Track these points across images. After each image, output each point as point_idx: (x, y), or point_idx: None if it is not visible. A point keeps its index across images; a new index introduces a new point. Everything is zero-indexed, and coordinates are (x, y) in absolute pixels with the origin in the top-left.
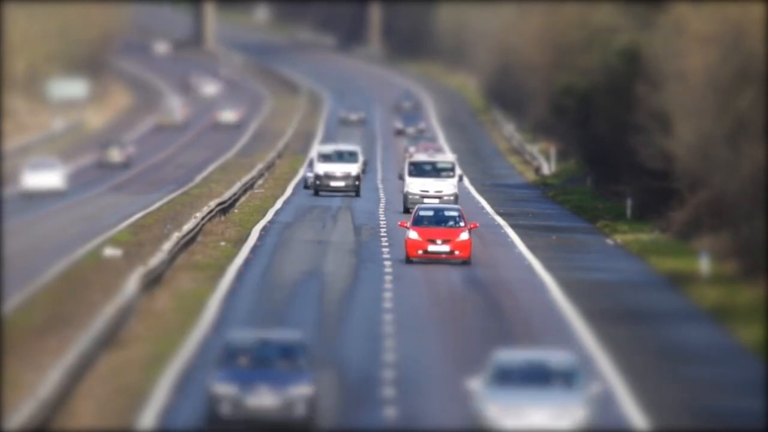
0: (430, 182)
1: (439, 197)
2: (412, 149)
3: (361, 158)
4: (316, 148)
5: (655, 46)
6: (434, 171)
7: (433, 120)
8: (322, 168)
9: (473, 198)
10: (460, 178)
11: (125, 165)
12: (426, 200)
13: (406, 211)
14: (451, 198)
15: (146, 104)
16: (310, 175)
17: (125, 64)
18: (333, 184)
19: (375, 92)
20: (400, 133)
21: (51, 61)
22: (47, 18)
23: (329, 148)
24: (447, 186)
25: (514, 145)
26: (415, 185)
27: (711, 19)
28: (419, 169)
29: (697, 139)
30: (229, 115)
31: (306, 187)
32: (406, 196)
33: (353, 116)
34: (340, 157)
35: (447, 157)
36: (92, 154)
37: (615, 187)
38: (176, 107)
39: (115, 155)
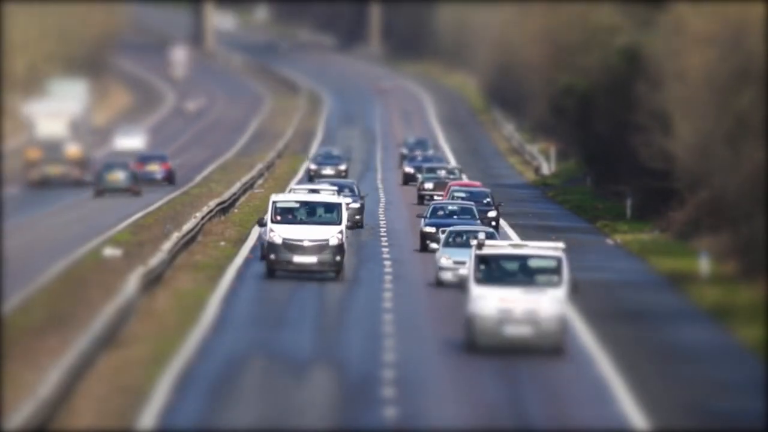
0: (515, 296)
1: (534, 322)
2: (429, 185)
3: (345, 210)
4: (272, 199)
5: (655, 46)
6: (523, 274)
7: (432, 120)
8: (278, 232)
9: None
10: (575, 288)
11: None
12: (509, 329)
13: (472, 345)
14: (552, 327)
15: (146, 103)
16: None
17: (125, 64)
18: (297, 260)
19: (374, 91)
20: (410, 179)
21: (51, 61)
22: (47, 18)
23: (291, 198)
24: (547, 303)
25: (513, 145)
26: (490, 302)
27: (711, 19)
28: (496, 270)
29: (697, 139)
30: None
31: (263, 257)
32: (471, 321)
33: (329, 170)
34: (311, 212)
35: (548, 246)
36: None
37: (615, 187)
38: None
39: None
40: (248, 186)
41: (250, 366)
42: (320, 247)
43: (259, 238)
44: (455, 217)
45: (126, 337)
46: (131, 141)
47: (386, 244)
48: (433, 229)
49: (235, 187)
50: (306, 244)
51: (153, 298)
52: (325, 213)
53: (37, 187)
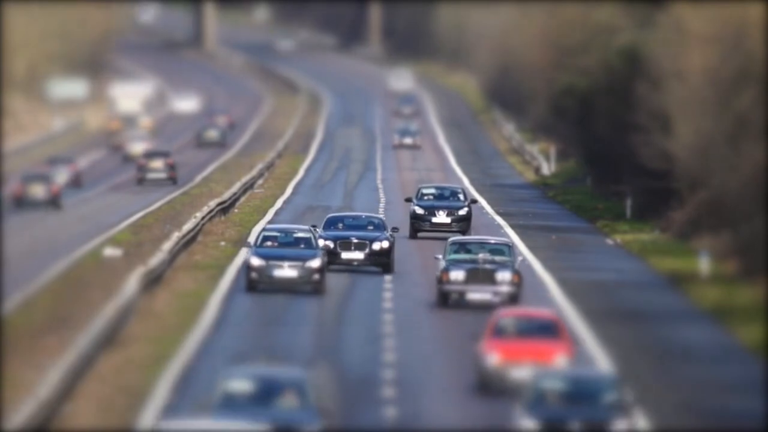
0: None
1: None
2: (457, 275)
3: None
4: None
5: (655, 46)
6: None
7: (432, 120)
8: None
9: (474, 198)
10: None
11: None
12: None
13: None
14: None
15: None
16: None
17: (125, 64)
18: None
19: (375, 91)
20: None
21: (51, 61)
22: (47, 18)
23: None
24: None
25: (513, 145)
26: None
27: (711, 19)
28: None
29: (697, 139)
30: None
31: None
32: None
33: (287, 270)
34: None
35: None
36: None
37: (615, 187)
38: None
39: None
40: (248, 186)
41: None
42: None
43: None
44: None
45: (126, 337)
46: (187, 104)
47: None
48: None
49: (235, 187)
50: None
51: (153, 298)
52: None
53: (117, 152)
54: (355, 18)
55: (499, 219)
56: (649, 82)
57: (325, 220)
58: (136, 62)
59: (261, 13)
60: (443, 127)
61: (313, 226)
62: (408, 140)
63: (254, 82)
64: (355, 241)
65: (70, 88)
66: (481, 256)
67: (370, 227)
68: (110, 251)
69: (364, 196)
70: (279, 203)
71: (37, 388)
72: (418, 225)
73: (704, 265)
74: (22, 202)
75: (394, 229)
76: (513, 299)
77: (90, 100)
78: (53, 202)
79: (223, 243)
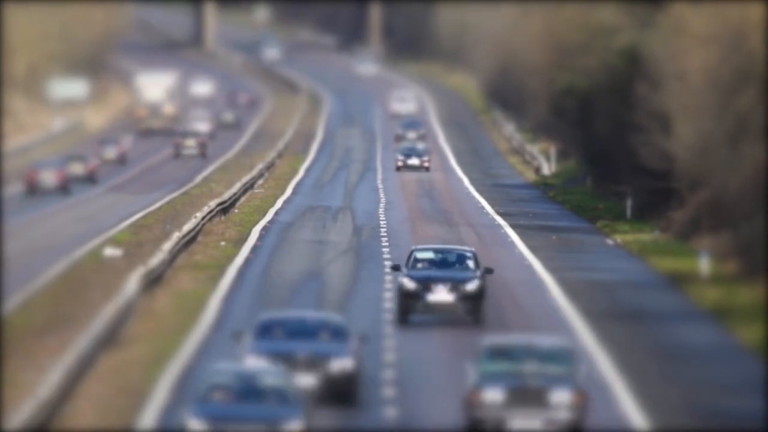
0: None
1: None
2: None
3: None
4: None
5: (655, 46)
6: None
7: (433, 120)
8: None
9: (474, 198)
10: None
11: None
12: None
13: None
14: None
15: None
16: None
17: (126, 65)
18: None
19: (375, 91)
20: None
21: (51, 61)
22: (47, 18)
23: None
24: None
25: (514, 145)
26: None
27: (711, 19)
28: None
29: (697, 139)
30: None
31: None
32: None
33: (268, 380)
34: None
35: None
36: None
37: (615, 187)
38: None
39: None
40: (248, 186)
41: None
42: None
43: None
44: None
45: (126, 337)
46: (203, 88)
47: (386, 244)
48: None
49: (236, 188)
50: None
51: (153, 298)
52: None
53: (143, 137)
54: (355, 18)
55: (499, 219)
56: (649, 83)
57: (256, 325)
58: (137, 62)
59: (261, 13)
60: (443, 127)
61: (237, 333)
62: (414, 161)
63: (254, 81)
64: (303, 358)
65: (70, 88)
66: (528, 366)
67: (324, 335)
68: (110, 251)
69: (365, 196)
70: (279, 203)
71: (37, 388)
72: (409, 305)
73: (704, 265)
74: (64, 180)
75: (363, 339)
76: (575, 430)
77: (90, 100)
78: (90, 178)
79: (223, 243)
